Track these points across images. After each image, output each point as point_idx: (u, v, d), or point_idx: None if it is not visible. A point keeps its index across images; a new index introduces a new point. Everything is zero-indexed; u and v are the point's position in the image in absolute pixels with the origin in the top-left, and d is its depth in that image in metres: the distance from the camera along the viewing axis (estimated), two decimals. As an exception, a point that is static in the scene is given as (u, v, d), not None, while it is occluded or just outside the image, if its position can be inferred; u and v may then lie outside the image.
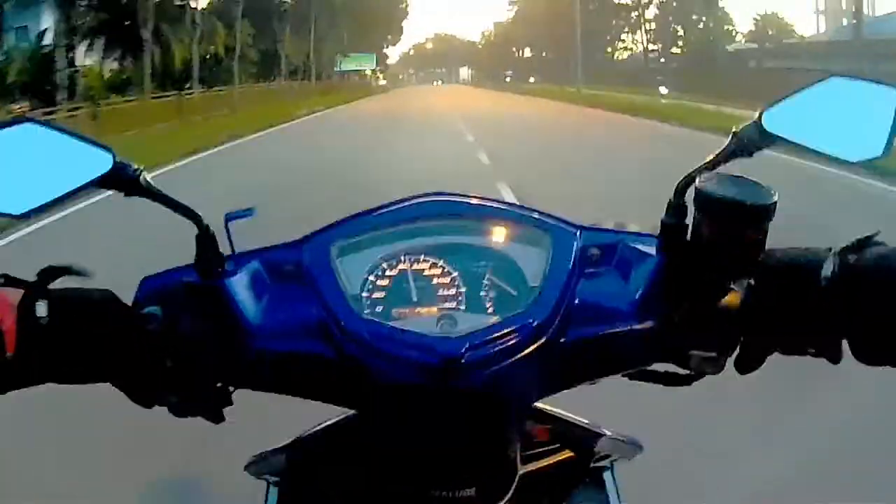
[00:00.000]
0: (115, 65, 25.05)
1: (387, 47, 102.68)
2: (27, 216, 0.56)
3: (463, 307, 0.61)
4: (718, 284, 0.58)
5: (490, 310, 0.60)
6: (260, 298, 0.62)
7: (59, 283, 0.57)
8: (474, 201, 0.67)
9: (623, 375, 0.66)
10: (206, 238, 0.60)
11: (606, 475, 0.76)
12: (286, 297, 0.62)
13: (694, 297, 0.58)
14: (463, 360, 0.55)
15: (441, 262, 0.63)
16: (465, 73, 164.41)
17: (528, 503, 0.67)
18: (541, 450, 0.71)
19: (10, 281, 0.55)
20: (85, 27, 23.57)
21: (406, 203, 0.66)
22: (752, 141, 0.59)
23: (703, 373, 0.62)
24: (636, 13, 70.99)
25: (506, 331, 0.57)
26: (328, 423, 0.71)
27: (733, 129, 0.60)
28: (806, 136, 0.58)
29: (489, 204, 0.67)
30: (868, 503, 2.04)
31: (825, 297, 0.53)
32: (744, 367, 0.59)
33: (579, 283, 0.62)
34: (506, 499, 0.62)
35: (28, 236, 6.41)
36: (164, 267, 0.65)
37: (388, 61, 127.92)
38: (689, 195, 0.59)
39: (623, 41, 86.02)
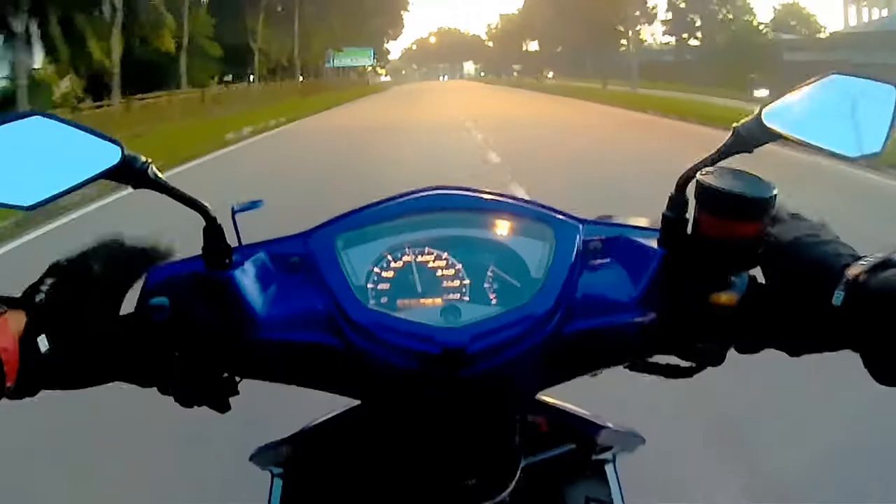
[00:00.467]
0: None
1: (387, 42, 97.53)
2: (36, 208, 0.56)
3: (467, 298, 0.61)
4: (719, 277, 0.58)
5: (493, 301, 0.61)
6: (266, 289, 0.63)
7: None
8: (478, 194, 0.67)
9: (625, 367, 0.66)
10: (213, 230, 0.61)
11: (608, 467, 0.76)
12: (292, 289, 0.63)
13: (695, 289, 0.59)
14: (466, 351, 0.56)
15: (445, 254, 0.63)
16: (469, 67, 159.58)
17: (530, 494, 0.68)
18: (543, 441, 0.71)
19: (11, 302, 0.55)
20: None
21: (411, 196, 0.67)
22: (753, 136, 0.60)
23: (705, 364, 0.62)
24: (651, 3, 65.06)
25: (509, 321, 0.58)
26: (333, 413, 0.71)
27: (734, 125, 0.60)
28: (806, 131, 0.58)
29: (492, 197, 0.67)
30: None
31: (835, 314, 0.53)
32: (745, 349, 0.60)
33: (582, 276, 0.63)
34: (508, 490, 0.63)
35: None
36: None
37: (390, 56, 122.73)
38: (690, 190, 0.59)
39: (638, 32, 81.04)
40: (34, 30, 16.81)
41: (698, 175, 0.59)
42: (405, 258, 0.63)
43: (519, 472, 0.64)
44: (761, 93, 22.06)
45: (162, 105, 21.89)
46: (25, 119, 0.57)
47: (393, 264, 0.63)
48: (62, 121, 0.58)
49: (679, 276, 0.60)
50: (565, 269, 0.61)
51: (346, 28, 58.35)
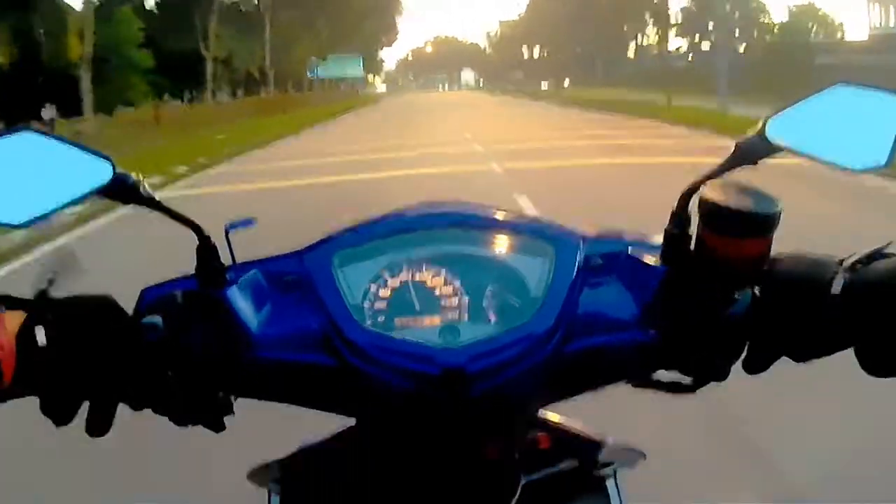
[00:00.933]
0: None
1: (381, 49, 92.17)
2: (27, 226, 0.56)
3: (466, 317, 0.60)
4: (722, 293, 0.58)
5: (492, 320, 0.60)
6: (261, 308, 0.62)
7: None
8: (477, 211, 0.67)
9: (627, 384, 0.66)
10: (206, 248, 0.61)
11: (609, 483, 0.76)
12: (288, 307, 0.63)
13: (698, 306, 0.59)
14: (466, 371, 0.55)
15: (443, 272, 0.62)
16: (468, 76, 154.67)
17: None
18: (544, 458, 0.71)
19: (11, 302, 0.55)
20: None
21: (408, 213, 0.66)
22: (756, 150, 0.59)
23: (708, 380, 0.62)
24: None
25: (508, 341, 0.57)
26: (331, 433, 0.71)
27: (736, 142, 0.60)
28: (810, 144, 0.58)
29: (492, 213, 0.67)
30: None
31: (834, 308, 0.54)
32: (752, 368, 0.60)
33: (582, 293, 0.62)
34: None
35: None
36: None
37: (385, 66, 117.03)
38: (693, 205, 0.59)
39: (647, 36, 76.29)
40: None
41: (701, 190, 0.58)
42: (402, 276, 0.62)
43: (520, 489, 0.64)
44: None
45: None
46: (15, 134, 0.56)
47: (390, 282, 0.62)
48: (52, 136, 0.57)
49: (682, 292, 0.59)
50: (566, 286, 0.61)
51: (333, 33, 52.60)
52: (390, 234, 0.64)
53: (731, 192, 0.57)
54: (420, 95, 79.62)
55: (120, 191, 0.57)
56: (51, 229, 6.82)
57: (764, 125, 0.58)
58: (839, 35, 50.74)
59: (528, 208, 6.73)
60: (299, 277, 0.63)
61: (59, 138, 0.57)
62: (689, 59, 55.97)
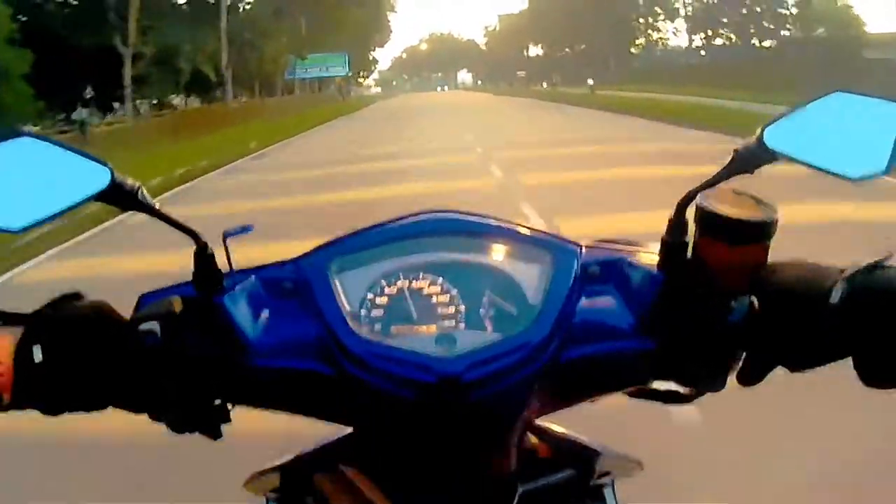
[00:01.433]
0: None
1: (373, 49, 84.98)
2: (26, 231, 0.56)
3: (462, 325, 0.61)
4: (719, 302, 0.58)
5: (489, 328, 0.60)
6: (258, 315, 0.62)
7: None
8: (474, 219, 0.67)
9: (624, 393, 0.66)
10: (203, 254, 0.61)
11: (607, 492, 0.75)
12: (285, 315, 0.63)
13: (694, 315, 0.59)
14: (461, 379, 0.55)
15: (440, 280, 0.62)
16: (464, 76, 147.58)
17: None
18: (541, 467, 0.70)
19: (7, 318, 0.56)
20: None
21: (405, 220, 0.66)
22: (754, 158, 0.59)
23: (705, 390, 0.62)
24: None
25: (505, 350, 0.57)
26: (327, 440, 0.71)
27: (735, 149, 0.60)
28: (808, 152, 0.58)
29: (489, 221, 0.67)
30: None
31: (831, 318, 0.54)
32: (746, 380, 0.60)
33: (579, 301, 0.62)
34: None
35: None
36: None
37: (378, 66, 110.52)
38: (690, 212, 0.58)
39: (659, 30, 69.41)
40: None
41: (698, 198, 0.58)
42: (399, 284, 0.62)
43: (517, 498, 0.64)
44: None
45: None
46: (12, 140, 0.57)
47: (387, 290, 0.62)
48: (51, 141, 0.58)
49: (679, 301, 0.59)
50: (563, 295, 0.61)
51: (314, 27, 45.42)
52: (387, 241, 0.64)
53: (727, 199, 0.57)
54: (414, 98, 69.26)
55: (118, 196, 0.57)
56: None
57: (762, 133, 0.58)
58: (864, 28, 47.27)
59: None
60: (297, 284, 0.63)
61: (58, 143, 0.58)
62: (702, 54, 53.09)
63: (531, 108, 32.76)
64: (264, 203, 9.03)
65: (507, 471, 0.62)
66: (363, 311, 0.61)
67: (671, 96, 29.19)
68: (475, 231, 0.65)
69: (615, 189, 8.74)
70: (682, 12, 64.97)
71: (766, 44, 56.81)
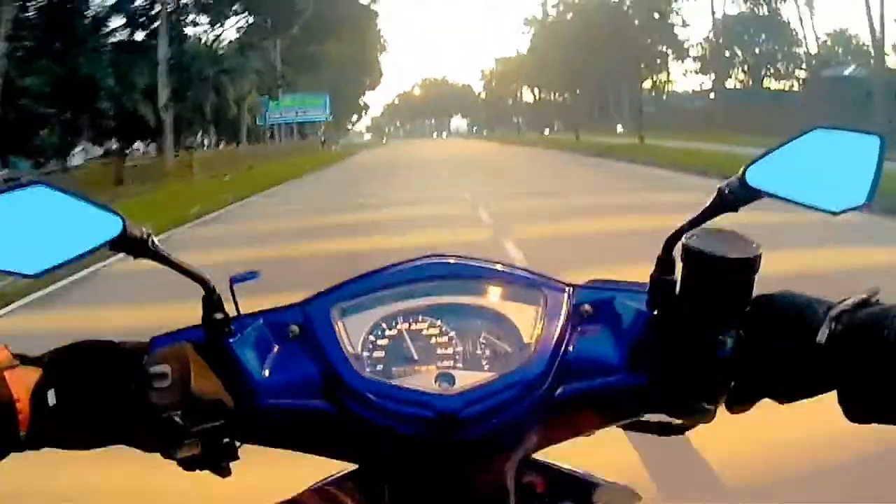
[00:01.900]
0: None
1: (363, 94, 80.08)
2: (40, 276, 0.59)
3: (460, 365, 0.63)
4: (707, 337, 0.60)
5: (486, 367, 0.63)
6: (265, 357, 0.65)
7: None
8: (470, 262, 0.69)
9: (618, 426, 0.68)
10: (211, 300, 0.64)
11: None
12: (290, 356, 0.65)
13: (683, 349, 0.61)
14: (460, 416, 0.58)
15: (438, 322, 0.65)
16: (458, 123, 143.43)
17: None
18: (540, 501, 0.72)
19: (27, 360, 0.59)
20: None
21: (404, 265, 0.69)
22: (737, 196, 0.62)
23: (696, 422, 0.64)
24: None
25: (501, 387, 0.60)
26: (332, 477, 0.72)
27: (718, 186, 0.62)
28: (789, 189, 0.60)
29: (484, 265, 0.69)
30: None
31: (819, 356, 0.56)
32: (734, 408, 0.62)
33: (572, 339, 0.65)
34: None
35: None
36: None
37: (371, 112, 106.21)
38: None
39: (668, 71, 65.01)
40: None
41: (683, 238, 0.61)
42: (399, 326, 0.65)
43: None
44: None
45: None
46: (28, 188, 0.59)
47: (388, 332, 0.64)
48: (64, 191, 0.60)
49: (668, 336, 0.62)
50: (556, 333, 0.63)
51: (294, 65, 40.14)
52: (387, 286, 0.67)
53: (710, 238, 0.59)
54: (404, 148, 56.22)
55: (129, 244, 0.60)
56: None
57: (744, 172, 0.61)
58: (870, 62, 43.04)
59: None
60: (301, 328, 0.65)
61: (72, 192, 0.60)
62: (712, 97, 49.26)
63: (555, 163, 24.80)
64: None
65: None
66: (365, 353, 0.63)
67: (702, 144, 23.44)
68: (471, 274, 0.68)
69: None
70: (692, 52, 60.93)
71: (780, 85, 53.49)
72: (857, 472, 2.57)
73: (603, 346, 0.64)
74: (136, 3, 24.50)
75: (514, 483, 0.64)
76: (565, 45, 57.68)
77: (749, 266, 0.58)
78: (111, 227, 0.59)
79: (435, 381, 0.61)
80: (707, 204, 0.62)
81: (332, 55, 46.48)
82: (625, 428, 0.69)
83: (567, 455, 0.71)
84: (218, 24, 31.83)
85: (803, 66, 51.69)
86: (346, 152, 47.92)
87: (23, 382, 0.57)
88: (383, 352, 0.63)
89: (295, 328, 0.66)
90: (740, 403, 0.61)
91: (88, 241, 0.59)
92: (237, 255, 8.53)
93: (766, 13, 51.73)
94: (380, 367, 0.62)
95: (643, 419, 0.67)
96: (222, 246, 9.30)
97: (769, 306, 0.59)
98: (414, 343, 0.64)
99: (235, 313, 0.66)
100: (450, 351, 0.63)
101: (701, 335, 0.60)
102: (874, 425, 0.56)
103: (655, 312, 0.63)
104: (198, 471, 0.64)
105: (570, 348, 0.64)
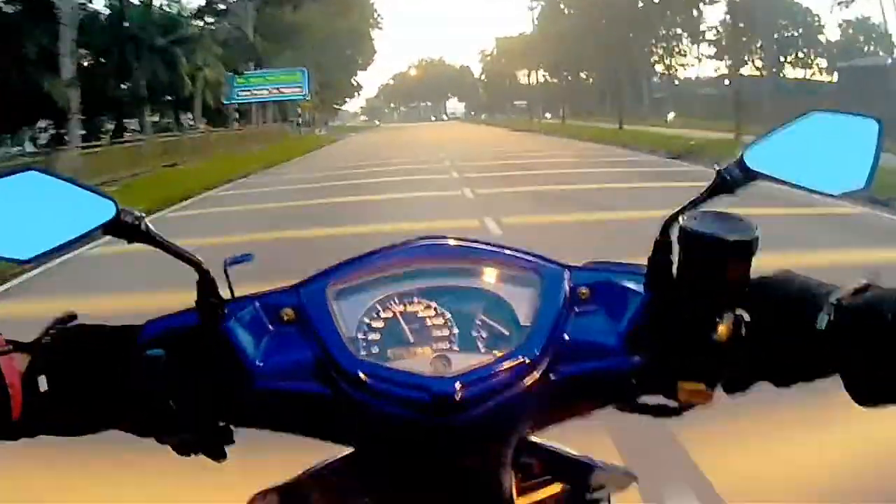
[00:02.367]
0: None
1: (355, 74, 74.04)
2: (33, 262, 0.59)
3: (456, 347, 0.63)
4: (704, 319, 0.60)
5: (482, 349, 0.62)
6: (259, 340, 0.64)
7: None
8: (466, 244, 0.69)
9: (614, 408, 0.68)
10: (206, 283, 0.63)
11: None
12: (285, 339, 0.65)
13: (680, 331, 0.61)
14: (456, 398, 0.57)
15: (434, 304, 0.65)
16: (455, 105, 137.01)
17: None
18: (535, 482, 0.72)
19: (17, 346, 0.59)
20: None
21: (399, 247, 0.69)
22: (736, 179, 0.61)
23: (693, 404, 0.64)
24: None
25: (498, 369, 0.59)
26: (328, 461, 0.72)
27: (717, 168, 0.62)
28: (788, 171, 0.60)
29: (480, 246, 0.69)
30: None
31: (819, 338, 0.55)
32: (732, 389, 0.62)
33: (569, 321, 0.64)
34: None
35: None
36: None
37: (364, 93, 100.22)
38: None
39: (683, 54, 59.80)
40: None
41: (681, 219, 0.61)
42: (395, 308, 0.64)
43: None
44: None
45: None
46: (21, 174, 0.59)
47: (383, 315, 0.64)
48: (57, 176, 0.60)
49: (665, 318, 0.62)
50: (552, 315, 0.63)
51: (269, 30, 34.59)
52: (382, 268, 0.66)
53: (708, 219, 0.59)
54: (397, 134, 49.92)
55: (122, 228, 0.60)
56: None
57: (743, 155, 0.61)
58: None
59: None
60: (296, 310, 0.65)
61: (65, 178, 0.60)
62: (726, 83, 46.55)
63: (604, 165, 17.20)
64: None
65: (503, 487, 0.64)
66: (360, 335, 0.63)
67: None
68: (467, 256, 0.67)
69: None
70: (707, 36, 55.97)
71: (799, 74, 50.92)
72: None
73: (600, 328, 0.64)
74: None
75: (512, 464, 0.64)
76: (573, 24, 52.38)
77: (747, 248, 0.58)
78: (104, 210, 0.59)
79: (431, 364, 0.61)
80: (705, 187, 0.62)
81: (316, 24, 40.75)
82: (621, 409, 0.68)
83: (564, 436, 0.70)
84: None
85: (824, 54, 47.37)
86: (326, 138, 41.69)
87: (14, 369, 0.57)
88: (379, 334, 0.63)
89: (290, 311, 0.65)
90: (737, 386, 0.61)
91: (82, 225, 0.58)
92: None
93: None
94: (375, 349, 0.62)
95: (640, 401, 0.66)
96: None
97: (768, 289, 0.59)
98: (409, 325, 0.63)
99: (230, 296, 0.65)
100: (446, 333, 0.63)
101: (698, 317, 0.59)
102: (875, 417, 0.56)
103: (653, 294, 0.63)
104: (192, 455, 0.63)
105: (567, 330, 0.63)
